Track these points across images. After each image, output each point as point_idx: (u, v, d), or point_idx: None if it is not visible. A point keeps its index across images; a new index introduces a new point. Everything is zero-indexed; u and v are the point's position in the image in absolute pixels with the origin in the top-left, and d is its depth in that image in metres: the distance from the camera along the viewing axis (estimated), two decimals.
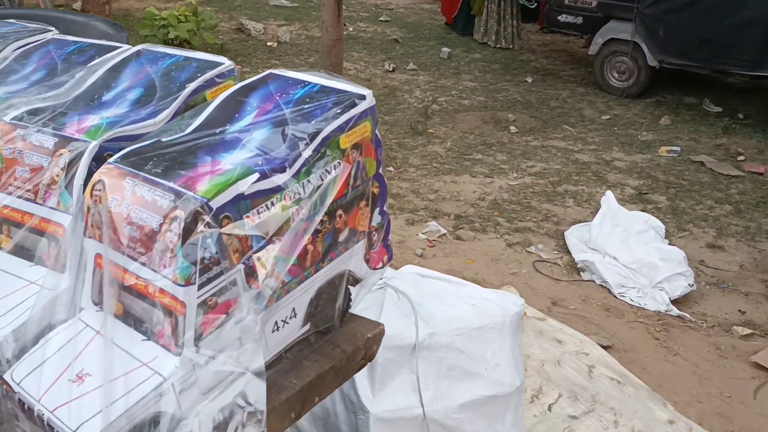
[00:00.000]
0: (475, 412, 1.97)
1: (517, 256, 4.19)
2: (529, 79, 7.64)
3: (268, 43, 8.38)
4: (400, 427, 1.88)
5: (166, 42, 7.06)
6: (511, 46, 8.61)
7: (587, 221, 4.49)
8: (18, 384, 0.85)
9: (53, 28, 1.36)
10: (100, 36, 1.41)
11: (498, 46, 8.61)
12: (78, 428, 0.78)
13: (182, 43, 7.26)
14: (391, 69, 7.80)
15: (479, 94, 7.14)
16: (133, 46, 1.23)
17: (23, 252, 1.01)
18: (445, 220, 4.59)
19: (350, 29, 9.03)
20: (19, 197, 1.00)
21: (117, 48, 1.23)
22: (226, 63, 1.15)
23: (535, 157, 5.70)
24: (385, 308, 1.95)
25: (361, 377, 1.84)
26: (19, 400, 0.85)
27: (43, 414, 0.81)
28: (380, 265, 1.12)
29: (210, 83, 1.13)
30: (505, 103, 6.93)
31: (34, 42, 1.31)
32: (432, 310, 1.97)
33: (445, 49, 8.43)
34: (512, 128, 6.27)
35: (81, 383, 0.83)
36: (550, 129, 6.33)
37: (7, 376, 0.87)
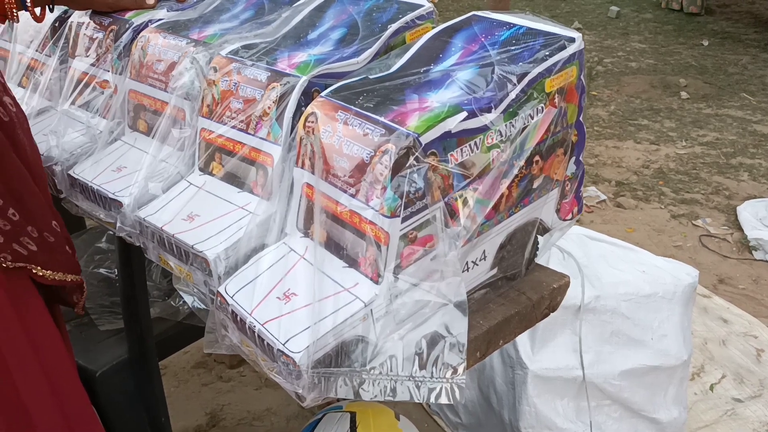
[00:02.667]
0: (636, 381, 1.91)
1: (681, 229, 3.97)
2: (705, 42, 7.10)
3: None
4: (557, 386, 1.86)
5: None
6: (692, 9, 8.00)
7: (763, 197, 4.15)
8: (231, 297, 0.93)
9: None
10: None
11: (689, 11, 8.02)
12: (287, 341, 0.84)
13: None
14: None
15: (648, 57, 6.74)
16: None
17: (233, 179, 1.08)
18: (605, 185, 4.42)
19: None
20: (233, 127, 1.07)
21: None
22: (426, 5, 1.16)
23: (707, 125, 5.32)
24: (551, 266, 1.91)
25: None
26: (232, 311, 0.92)
27: (254, 326, 0.88)
28: (570, 216, 1.10)
29: (410, 25, 1.14)
30: (677, 67, 6.49)
31: None
32: (599, 273, 1.92)
33: (614, 8, 7.99)
34: (683, 94, 5.88)
35: (288, 301, 0.89)
36: (726, 96, 5.87)
37: (221, 289, 0.95)
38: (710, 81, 6.20)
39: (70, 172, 1.22)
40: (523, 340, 1.86)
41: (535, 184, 1.00)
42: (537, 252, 1.07)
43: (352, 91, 0.93)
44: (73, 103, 1.30)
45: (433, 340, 0.82)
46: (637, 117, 5.47)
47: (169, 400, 2.23)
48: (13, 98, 1.03)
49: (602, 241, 2.06)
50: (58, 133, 1.25)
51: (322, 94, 0.95)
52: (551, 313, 1.06)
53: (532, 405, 1.85)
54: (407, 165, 0.83)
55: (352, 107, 0.90)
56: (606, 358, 1.87)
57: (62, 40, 1.37)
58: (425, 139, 0.84)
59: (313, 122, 0.92)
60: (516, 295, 1.02)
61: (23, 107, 1.35)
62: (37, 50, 1.41)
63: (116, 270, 1.66)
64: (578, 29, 7.46)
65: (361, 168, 0.86)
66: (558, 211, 1.07)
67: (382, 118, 0.86)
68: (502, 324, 0.97)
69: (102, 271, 1.69)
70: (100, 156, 1.23)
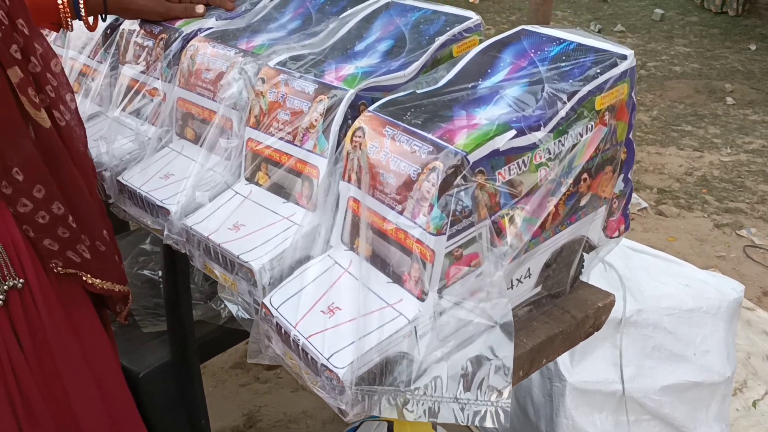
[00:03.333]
0: (677, 396, 1.88)
1: (725, 239, 3.88)
2: (753, 47, 6.94)
3: (471, 0, 8.29)
4: (596, 399, 1.84)
5: None
6: (736, 12, 7.83)
7: None
8: (276, 309, 0.93)
9: None
10: None
11: (723, 11, 7.86)
12: (331, 356, 0.84)
13: None
14: (596, 30, 7.42)
15: (693, 61, 6.61)
16: None
17: (279, 190, 1.09)
18: (646, 193, 4.35)
19: None
20: (280, 139, 1.08)
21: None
22: (474, 18, 1.15)
23: (753, 132, 5.20)
24: (591, 279, 1.88)
25: None
26: (277, 323, 0.93)
27: (298, 339, 0.88)
28: (617, 234, 1.08)
29: (457, 37, 1.13)
30: (723, 72, 6.36)
31: None
32: (641, 286, 1.89)
33: (658, 11, 7.86)
34: (729, 99, 5.75)
35: (332, 315, 0.89)
36: None
37: (266, 301, 0.95)
38: (757, 86, 6.06)
39: (119, 178, 1.24)
40: None
41: (583, 202, 0.99)
42: (582, 270, 1.06)
43: (400, 107, 0.93)
44: (123, 109, 1.33)
45: (479, 362, 0.82)
46: (680, 122, 5.37)
47: (206, 400, 2.27)
48: (69, 108, 1.05)
49: (645, 252, 2.03)
50: (108, 139, 1.28)
51: (370, 108, 0.95)
52: (595, 332, 1.05)
53: (570, 417, 1.83)
54: (455, 183, 0.82)
55: (400, 123, 0.90)
56: (647, 373, 1.84)
57: (113, 47, 1.39)
58: (473, 157, 0.84)
59: (360, 137, 0.92)
60: (560, 314, 1.01)
61: None
62: (89, 56, 1.44)
63: (160, 272, 1.69)
64: (621, 32, 7.36)
65: (408, 185, 0.86)
66: (605, 228, 1.06)
67: (430, 135, 0.86)
68: (545, 343, 0.96)
69: (146, 272, 1.72)
70: (148, 163, 1.25)
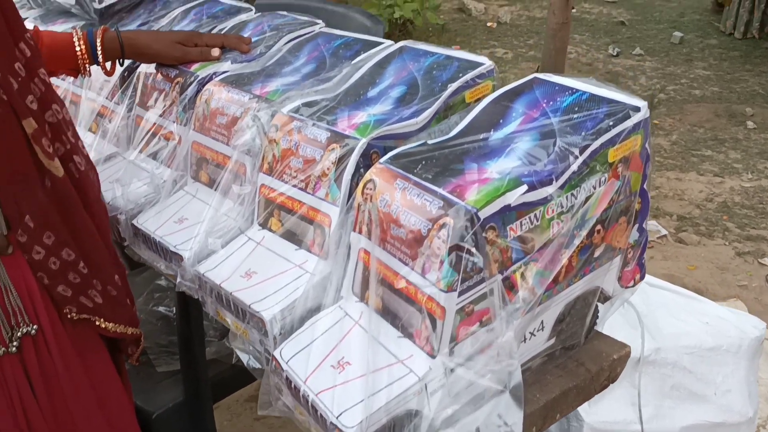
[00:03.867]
0: None
1: (747, 267, 3.83)
2: None
3: (488, 24, 8.32)
4: None
5: (391, 21, 7.26)
6: (756, 35, 7.78)
7: None
8: (286, 362, 0.93)
9: (320, 21, 1.44)
10: (359, 27, 1.47)
11: (748, 36, 7.81)
12: (340, 415, 0.83)
13: (405, 23, 7.44)
14: (615, 54, 7.39)
15: (713, 84, 6.56)
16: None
17: (291, 237, 1.09)
18: (665, 220, 4.31)
19: (574, 10, 8.69)
20: (293, 186, 1.08)
21: (380, 44, 1.28)
22: (486, 63, 1.15)
23: None
24: (610, 333, 1.86)
25: None
26: (287, 377, 0.92)
27: (308, 395, 0.88)
28: (632, 283, 1.07)
29: (470, 84, 1.13)
30: (743, 95, 6.30)
31: (304, 35, 1.40)
32: (659, 324, 1.86)
33: (677, 34, 7.82)
34: (750, 123, 5.69)
35: (342, 371, 0.88)
36: None
37: (276, 353, 0.95)
38: None
39: (134, 222, 1.25)
40: None
41: (597, 254, 0.98)
42: (597, 320, 1.05)
43: (411, 159, 0.93)
44: (140, 152, 1.34)
45: (487, 429, 0.81)
46: (700, 147, 5.32)
47: None
48: (85, 156, 1.06)
49: (663, 288, 2.00)
50: (123, 182, 1.29)
51: (381, 160, 0.95)
52: (610, 384, 1.03)
53: None
54: (465, 240, 0.82)
55: (411, 176, 0.89)
56: (666, 413, 1.81)
57: (130, 89, 1.41)
58: (484, 213, 0.83)
59: (371, 189, 0.92)
60: (574, 367, 1.00)
61: (92, 153, 1.40)
62: (106, 97, 1.46)
63: (175, 309, 1.69)
64: (640, 55, 7.34)
65: (418, 240, 0.86)
66: (620, 278, 1.04)
67: (440, 190, 0.86)
68: (559, 398, 0.95)
69: (161, 309, 1.73)
70: (162, 206, 1.26)
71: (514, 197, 0.85)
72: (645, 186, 1.00)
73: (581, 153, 0.90)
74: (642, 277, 1.07)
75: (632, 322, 1.84)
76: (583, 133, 0.91)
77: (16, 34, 0.94)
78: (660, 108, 6.02)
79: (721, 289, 3.60)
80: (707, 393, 1.83)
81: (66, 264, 1.03)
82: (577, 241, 0.92)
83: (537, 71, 1.23)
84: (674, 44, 7.68)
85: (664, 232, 4.14)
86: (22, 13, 1.74)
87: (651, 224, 4.21)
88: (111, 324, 1.10)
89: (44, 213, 1.00)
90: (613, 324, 1.81)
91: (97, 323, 1.09)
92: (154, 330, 1.66)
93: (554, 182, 0.88)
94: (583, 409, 1.79)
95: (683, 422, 1.81)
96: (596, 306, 1.03)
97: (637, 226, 1.02)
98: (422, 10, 7.69)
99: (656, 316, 1.88)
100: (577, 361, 1.00)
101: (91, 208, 1.08)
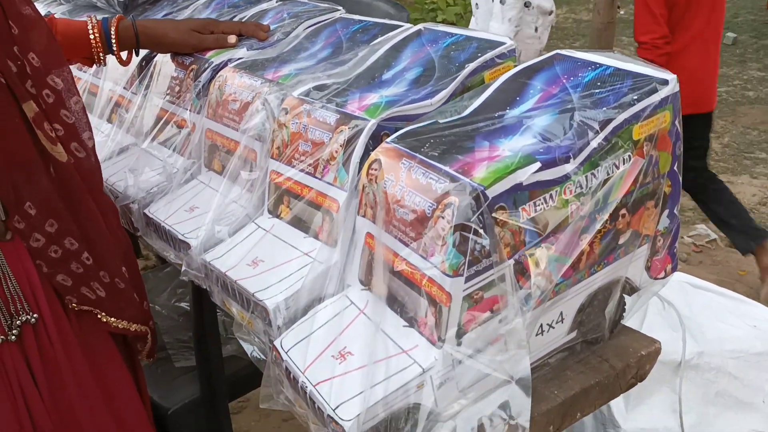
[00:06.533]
0: None
1: None
2: None
3: None
4: None
5: None
6: None
7: None
8: (286, 353, 0.88)
9: (341, 8, 1.40)
10: (383, 15, 1.42)
11: None
12: (337, 408, 0.78)
13: None
14: None
15: (767, 85, 6.32)
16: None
17: (300, 223, 1.04)
18: None
19: (621, 12, 8.49)
20: (301, 170, 1.03)
21: (399, 27, 1.23)
22: (507, 43, 1.09)
23: None
24: (648, 318, 1.77)
25: None
26: (286, 368, 0.87)
27: (306, 387, 0.83)
28: (662, 274, 0.99)
29: (489, 64, 1.07)
30: None
31: (323, 21, 1.36)
32: (702, 326, 1.76)
33: (730, 34, 7.57)
34: None
35: (343, 361, 0.83)
36: None
37: (277, 343, 0.90)
38: None
39: (146, 211, 1.22)
40: None
41: (621, 240, 0.90)
42: (623, 314, 0.97)
43: (419, 137, 0.87)
44: (153, 140, 1.32)
45: (491, 421, 0.74)
46: (753, 150, 5.11)
47: None
48: (85, 146, 1.03)
49: (708, 290, 1.89)
50: (135, 171, 1.27)
51: (388, 140, 0.89)
52: (638, 383, 0.95)
53: None
54: (471, 220, 0.76)
55: (417, 155, 0.84)
56: (710, 421, 1.71)
57: (147, 78, 1.39)
58: (492, 192, 0.77)
59: (376, 169, 0.87)
60: (597, 362, 0.92)
61: (109, 143, 1.38)
62: (124, 87, 1.44)
63: None
64: None
65: (423, 221, 0.80)
66: (648, 268, 0.96)
67: (446, 168, 0.80)
68: (579, 395, 0.87)
69: (183, 305, 1.70)
70: (174, 195, 1.23)
71: (525, 175, 0.79)
72: (676, 168, 0.92)
73: (602, 129, 0.83)
74: (674, 269, 0.99)
75: (673, 325, 1.75)
76: (604, 108, 0.85)
77: (11, 13, 0.92)
78: None
79: None
80: (755, 400, 1.72)
81: (68, 253, 1.00)
82: (597, 225, 0.85)
83: None
84: (727, 45, 7.43)
85: (714, 236, 3.97)
86: (51, 9, 1.75)
87: (700, 228, 4.04)
88: (113, 319, 1.06)
89: (47, 200, 0.97)
90: (652, 325, 1.72)
91: (99, 316, 1.05)
92: (176, 326, 1.64)
93: (572, 160, 0.81)
94: (620, 415, 1.69)
95: (729, 431, 1.70)
96: (622, 298, 0.95)
97: (667, 211, 0.95)
98: (465, 14, 7.63)
99: (700, 318, 1.77)
100: (600, 357, 0.93)
101: (97, 197, 1.06)
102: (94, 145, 1.04)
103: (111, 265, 1.06)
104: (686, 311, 1.78)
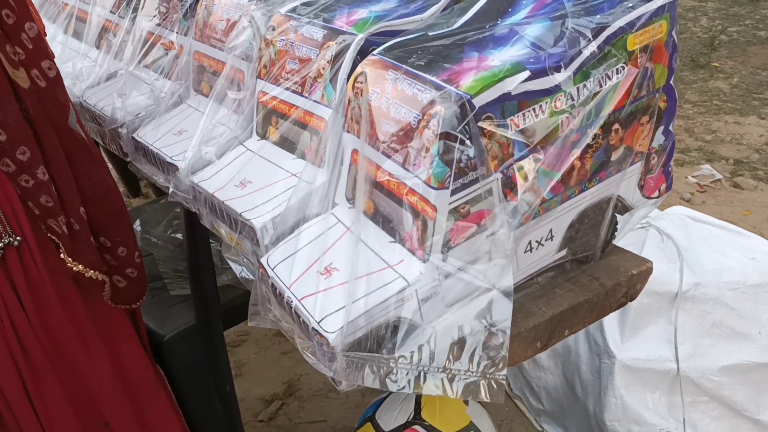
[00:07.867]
0: (738, 378, 1.73)
1: None
2: None
3: None
4: (648, 378, 1.72)
5: None
6: None
7: None
8: (272, 269, 0.87)
9: None
10: None
11: None
12: (321, 320, 0.77)
13: None
14: None
15: None
16: None
17: (287, 144, 1.02)
18: (721, 164, 4.09)
19: None
20: (287, 89, 1.01)
21: None
22: None
23: None
24: (646, 249, 1.76)
25: (610, 319, 1.70)
26: (272, 284, 0.87)
27: (291, 301, 0.82)
28: (656, 193, 0.97)
29: None
30: None
31: None
32: (700, 258, 1.74)
33: None
34: None
35: (328, 276, 0.82)
36: None
37: (263, 260, 0.89)
38: None
39: (134, 135, 1.20)
40: (611, 326, 1.72)
41: (614, 156, 0.88)
42: (615, 233, 0.95)
43: (406, 49, 0.85)
44: (139, 63, 1.29)
45: (472, 329, 0.73)
46: (763, 90, 5.02)
47: (248, 368, 2.26)
48: (46, 75, 0.98)
49: (707, 223, 1.87)
50: (123, 95, 1.24)
51: (374, 52, 0.87)
52: (629, 302, 0.95)
53: (619, 397, 1.72)
54: (456, 130, 0.74)
55: (403, 66, 0.81)
56: (705, 352, 1.71)
57: (134, 1, 1.35)
58: (479, 101, 0.75)
59: (362, 83, 0.84)
60: (587, 281, 0.91)
61: (98, 69, 1.35)
62: (111, 11, 1.40)
63: None
64: None
65: (408, 133, 0.78)
66: (641, 187, 0.95)
67: (432, 78, 0.77)
68: (567, 312, 0.87)
69: (178, 236, 1.69)
70: (162, 119, 1.21)
71: (514, 84, 0.76)
72: (671, 82, 0.89)
73: (595, 36, 0.80)
74: (668, 188, 0.97)
75: (671, 256, 1.73)
76: (598, 15, 0.81)
77: None
78: (721, 50, 5.70)
79: None
80: (751, 332, 1.72)
81: (40, 184, 0.96)
82: (588, 139, 0.83)
83: None
84: None
85: (718, 176, 3.93)
86: None
87: (705, 168, 4.00)
88: (69, 259, 1.02)
89: (18, 126, 0.93)
90: (650, 257, 1.70)
91: (62, 256, 1.02)
92: (171, 256, 1.64)
93: (563, 69, 0.79)
94: (615, 345, 1.70)
95: (723, 362, 1.70)
96: (614, 216, 0.93)
97: (662, 128, 0.92)
98: None
99: (698, 250, 1.76)
100: (590, 276, 0.92)
101: (62, 134, 1.00)
102: (57, 78, 0.99)
103: (68, 204, 1.01)
104: (685, 243, 1.76)
